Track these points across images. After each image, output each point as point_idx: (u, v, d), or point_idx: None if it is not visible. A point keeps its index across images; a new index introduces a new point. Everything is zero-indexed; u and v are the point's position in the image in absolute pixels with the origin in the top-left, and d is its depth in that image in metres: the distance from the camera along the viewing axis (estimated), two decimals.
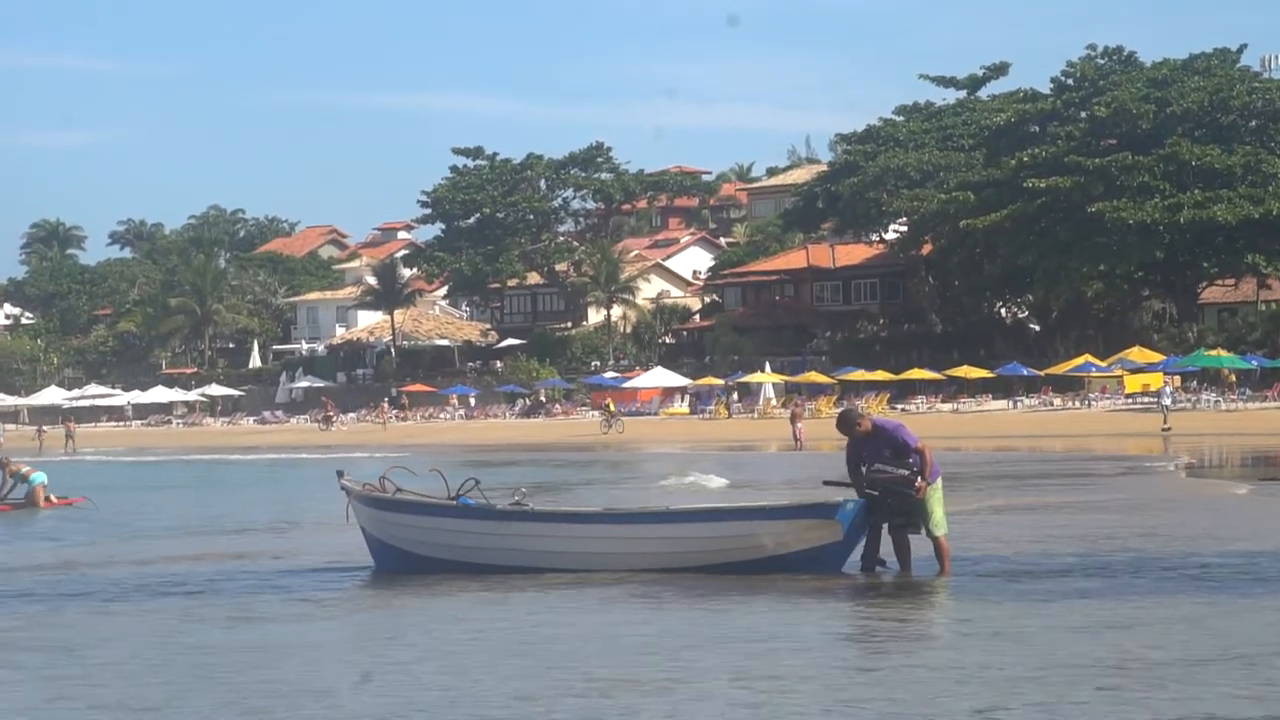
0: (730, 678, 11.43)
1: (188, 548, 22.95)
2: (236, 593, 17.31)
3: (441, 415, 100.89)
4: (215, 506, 34.36)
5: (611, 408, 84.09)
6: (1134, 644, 12.54)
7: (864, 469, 16.64)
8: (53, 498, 32.98)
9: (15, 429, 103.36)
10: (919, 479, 16.40)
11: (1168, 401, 69.04)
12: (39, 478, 33.21)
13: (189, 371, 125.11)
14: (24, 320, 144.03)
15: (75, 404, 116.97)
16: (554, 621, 14.66)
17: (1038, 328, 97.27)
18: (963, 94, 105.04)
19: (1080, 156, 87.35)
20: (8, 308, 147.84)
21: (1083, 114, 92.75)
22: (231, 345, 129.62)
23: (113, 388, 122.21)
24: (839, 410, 21.02)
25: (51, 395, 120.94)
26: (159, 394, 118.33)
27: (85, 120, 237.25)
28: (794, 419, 62.03)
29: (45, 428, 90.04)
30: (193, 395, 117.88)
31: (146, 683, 12.00)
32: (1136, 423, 69.20)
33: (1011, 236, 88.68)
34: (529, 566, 17.53)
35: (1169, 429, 62.62)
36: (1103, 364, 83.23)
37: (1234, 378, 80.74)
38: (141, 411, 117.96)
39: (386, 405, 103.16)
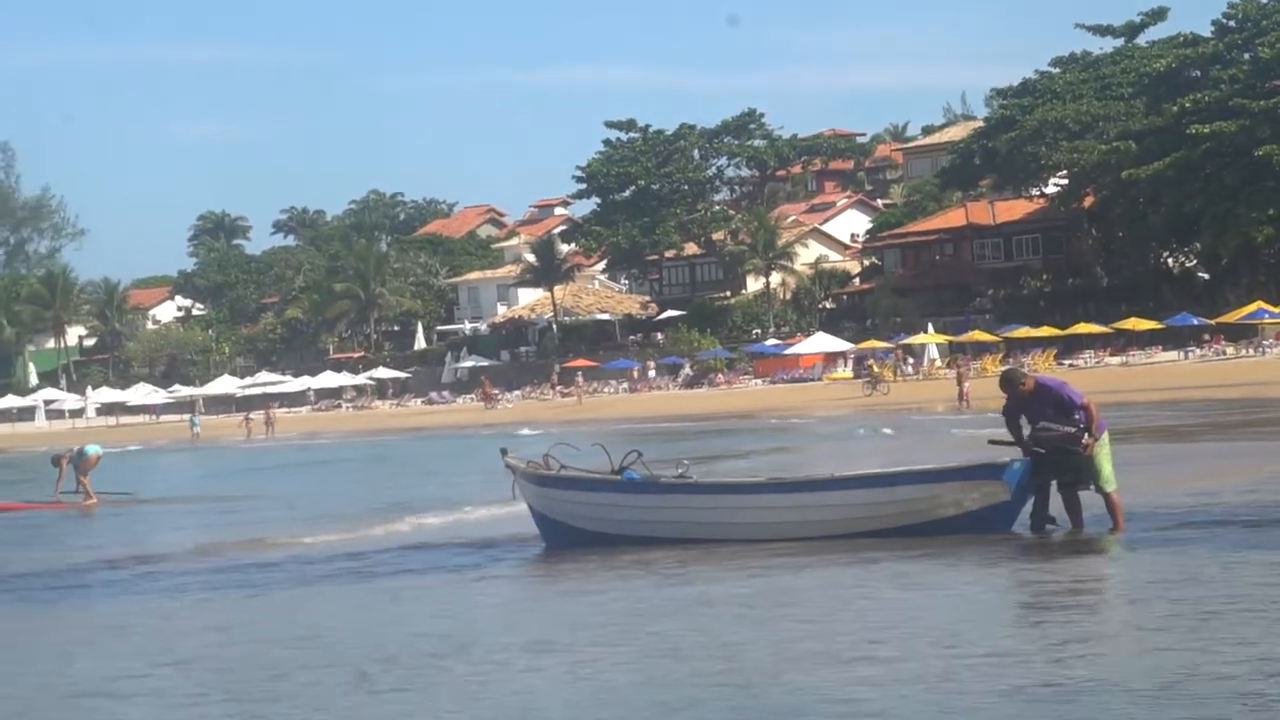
0: (927, 643, 11.23)
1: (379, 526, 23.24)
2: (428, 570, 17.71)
3: (605, 389, 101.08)
4: (397, 486, 34.67)
5: (875, 368, 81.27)
6: None
7: (1030, 428, 16.54)
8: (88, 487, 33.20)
9: (211, 418, 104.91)
10: (1086, 435, 16.26)
11: None
12: (94, 448, 33.82)
13: (356, 355, 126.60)
14: (195, 311, 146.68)
15: (248, 392, 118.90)
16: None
17: (1207, 276, 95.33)
18: (1120, 42, 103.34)
19: (1245, 100, 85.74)
20: (179, 300, 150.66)
21: (1246, 56, 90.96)
22: (396, 328, 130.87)
23: (283, 374, 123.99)
24: (1002, 370, 20.67)
25: (225, 384, 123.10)
26: (327, 379, 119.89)
27: (244, 111, 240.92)
28: (960, 379, 61.56)
29: (251, 415, 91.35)
30: (360, 379, 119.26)
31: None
32: None
33: (1176, 185, 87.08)
34: (696, 538, 17.57)
35: None
36: (1276, 310, 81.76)
37: None
38: (314, 397, 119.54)
39: (556, 379, 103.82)
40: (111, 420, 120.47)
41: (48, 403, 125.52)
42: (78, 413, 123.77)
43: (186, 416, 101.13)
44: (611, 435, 38.47)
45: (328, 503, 29.85)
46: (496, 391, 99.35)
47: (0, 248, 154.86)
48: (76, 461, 33.04)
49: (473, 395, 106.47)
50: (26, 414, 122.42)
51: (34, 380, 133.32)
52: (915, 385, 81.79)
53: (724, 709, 9.69)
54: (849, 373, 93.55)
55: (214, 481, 43.18)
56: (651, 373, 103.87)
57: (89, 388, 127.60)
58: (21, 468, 55.01)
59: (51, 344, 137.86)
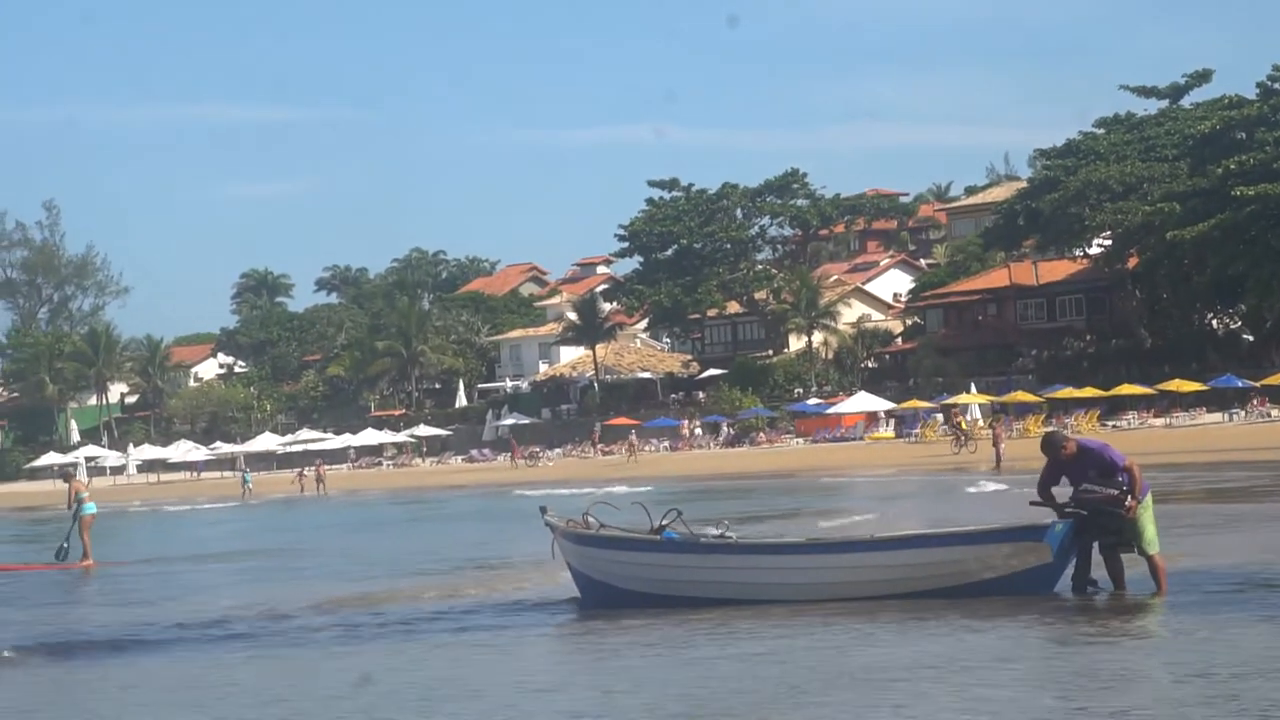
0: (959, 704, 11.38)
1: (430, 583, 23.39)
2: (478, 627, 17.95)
3: (647, 448, 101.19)
4: (437, 543, 35.06)
5: (964, 424, 78.80)
6: None
7: (1073, 490, 16.57)
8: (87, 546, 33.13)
9: (260, 475, 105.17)
10: (1129, 498, 16.28)
11: None
12: (91, 508, 33.71)
13: (397, 413, 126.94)
14: (237, 369, 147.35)
15: (289, 449, 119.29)
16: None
17: (1251, 338, 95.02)
18: (1164, 103, 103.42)
19: None
20: (221, 357, 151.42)
21: None
22: (438, 385, 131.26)
23: (324, 432, 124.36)
24: (1044, 432, 20.79)
25: (266, 441, 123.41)
26: (369, 436, 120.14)
27: (288, 170, 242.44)
28: (995, 440, 61.60)
29: (306, 471, 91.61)
30: (401, 436, 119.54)
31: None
32: None
33: (1221, 246, 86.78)
34: (736, 599, 17.58)
35: None
36: None
37: None
38: (355, 455, 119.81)
39: (596, 437, 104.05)
40: (153, 477, 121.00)
41: (89, 459, 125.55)
42: (119, 469, 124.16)
43: (230, 473, 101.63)
44: (652, 495, 38.45)
45: (422, 560, 30.03)
46: (536, 449, 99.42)
47: (44, 305, 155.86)
48: (78, 515, 33.15)
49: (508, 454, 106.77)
50: (67, 470, 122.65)
51: (76, 437, 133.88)
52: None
53: None
54: (890, 432, 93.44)
55: (287, 536, 43.54)
56: (699, 430, 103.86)
57: (130, 444, 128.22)
58: (54, 524, 55.39)
59: (93, 401, 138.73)
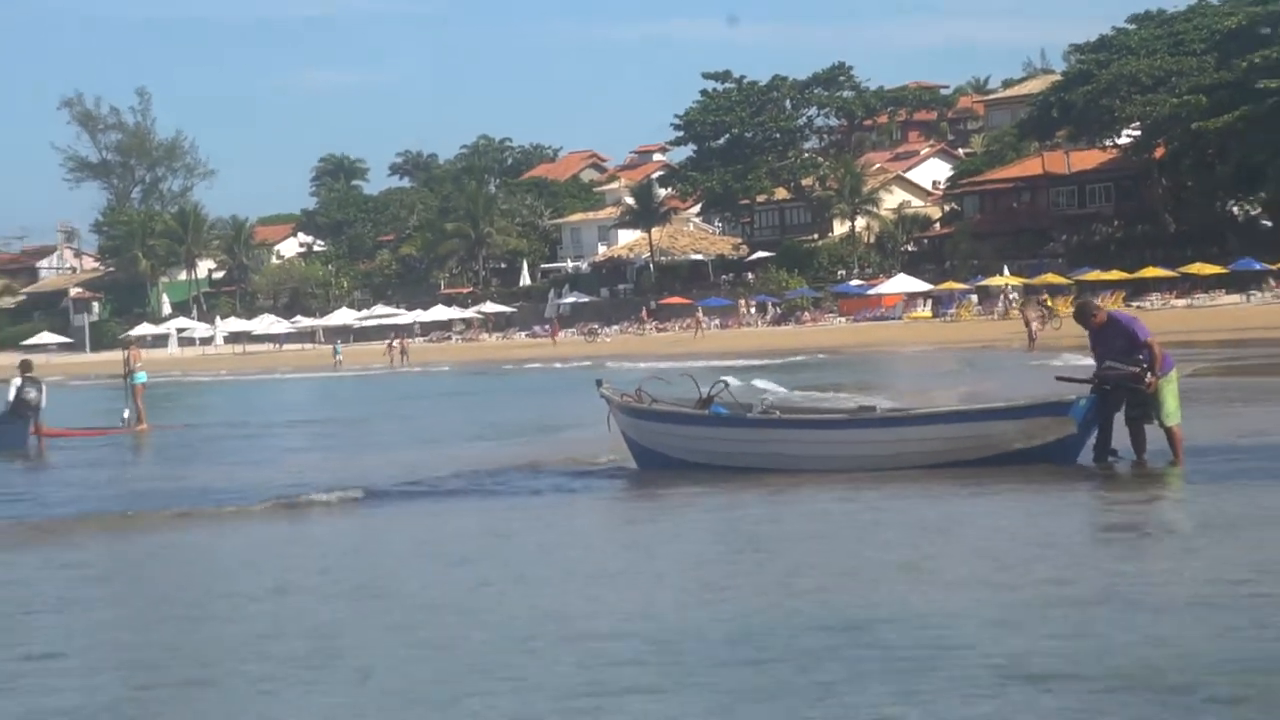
0: (991, 564, 11.60)
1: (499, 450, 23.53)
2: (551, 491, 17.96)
3: (701, 324, 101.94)
4: (508, 413, 35.03)
5: (1050, 302, 74.92)
6: None
7: (1098, 363, 16.66)
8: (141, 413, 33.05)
9: (351, 346, 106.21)
10: (1149, 374, 16.30)
11: None
12: (141, 377, 33.79)
13: (465, 291, 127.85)
14: (316, 248, 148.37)
15: (364, 323, 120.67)
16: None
17: (1270, 224, 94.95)
18: (1193, 0, 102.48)
19: None
20: (301, 236, 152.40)
21: None
22: (503, 265, 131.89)
23: (397, 308, 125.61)
24: (1077, 303, 20.92)
25: (343, 316, 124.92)
26: (439, 312, 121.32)
27: (363, 59, 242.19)
28: (1027, 319, 61.46)
29: (394, 343, 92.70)
30: (469, 313, 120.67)
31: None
32: None
33: (1244, 137, 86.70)
34: (780, 468, 17.67)
35: None
36: None
37: None
38: (424, 329, 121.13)
39: (646, 315, 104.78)
40: (238, 348, 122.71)
41: (179, 331, 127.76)
42: (207, 340, 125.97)
43: (309, 346, 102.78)
44: (710, 370, 39.03)
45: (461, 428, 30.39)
46: (594, 326, 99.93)
47: (137, 186, 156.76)
48: (130, 384, 33.37)
49: (574, 329, 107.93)
50: (160, 341, 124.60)
51: (167, 310, 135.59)
52: (990, 324, 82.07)
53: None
54: (928, 312, 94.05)
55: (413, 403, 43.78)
56: (754, 309, 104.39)
57: (217, 317, 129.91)
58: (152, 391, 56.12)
59: (183, 276, 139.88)
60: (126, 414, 33.01)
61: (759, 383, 20.74)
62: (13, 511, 18.33)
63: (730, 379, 19.16)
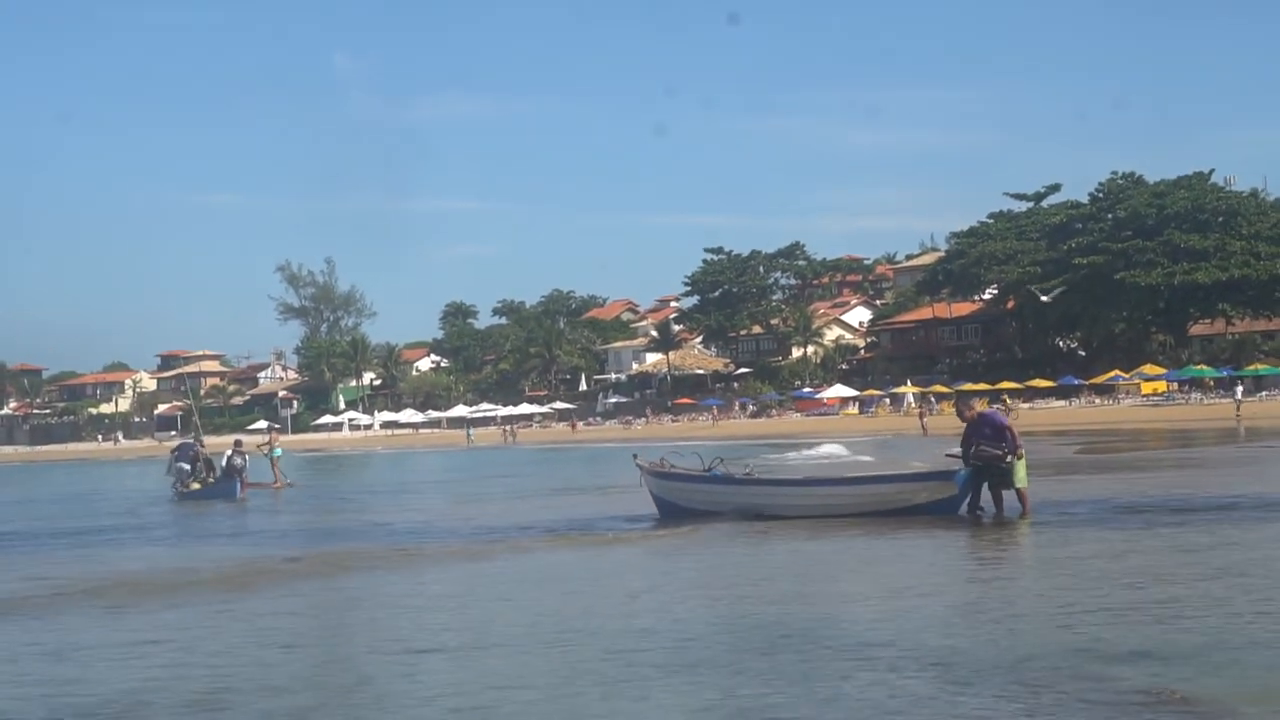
0: (885, 591, 11.13)
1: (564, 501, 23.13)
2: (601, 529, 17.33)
3: (700, 418, 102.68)
4: (570, 476, 34.20)
5: (935, 404, 71.92)
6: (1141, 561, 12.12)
7: (971, 448, 16.02)
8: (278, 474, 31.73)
9: (480, 431, 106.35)
10: (1009, 456, 15.83)
11: (1239, 395, 64.30)
12: (278, 452, 32.48)
13: (542, 393, 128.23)
14: (442, 364, 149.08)
15: (474, 415, 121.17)
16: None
17: (1084, 353, 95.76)
18: (1031, 204, 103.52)
19: (1109, 243, 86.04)
20: (432, 356, 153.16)
21: (1109, 215, 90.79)
22: (568, 376, 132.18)
23: (495, 404, 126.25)
24: (955, 404, 20.30)
25: (458, 410, 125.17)
26: (524, 408, 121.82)
27: (474, 238, 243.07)
28: (920, 415, 62.39)
29: (507, 429, 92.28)
30: (545, 409, 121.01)
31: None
32: (1155, 413, 67.37)
33: (1065, 295, 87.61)
34: (757, 514, 17.25)
35: (1239, 415, 55.73)
36: (1126, 375, 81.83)
37: (1212, 383, 79.01)
38: (513, 419, 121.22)
39: (650, 412, 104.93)
40: (390, 432, 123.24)
41: (350, 420, 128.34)
42: (368, 426, 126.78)
43: (437, 430, 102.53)
44: (702, 448, 38.99)
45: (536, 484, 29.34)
46: (629, 418, 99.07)
47: (324, 323, 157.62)
48: (270, 456, 32.41)
49: (615, 420, 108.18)
50: (337, 427, 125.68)
51: (342, 406, 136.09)
52: (897, 419, 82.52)
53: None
54: (856, 410, 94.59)
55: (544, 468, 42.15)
56: (752, 406, 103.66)
57: (376, 411, 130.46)
58: (326, 463, 55.18)
59: (354, 384, 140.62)
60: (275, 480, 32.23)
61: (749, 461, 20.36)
62: (326, 545, 17.00)
63: (720, 457, 18.86)
